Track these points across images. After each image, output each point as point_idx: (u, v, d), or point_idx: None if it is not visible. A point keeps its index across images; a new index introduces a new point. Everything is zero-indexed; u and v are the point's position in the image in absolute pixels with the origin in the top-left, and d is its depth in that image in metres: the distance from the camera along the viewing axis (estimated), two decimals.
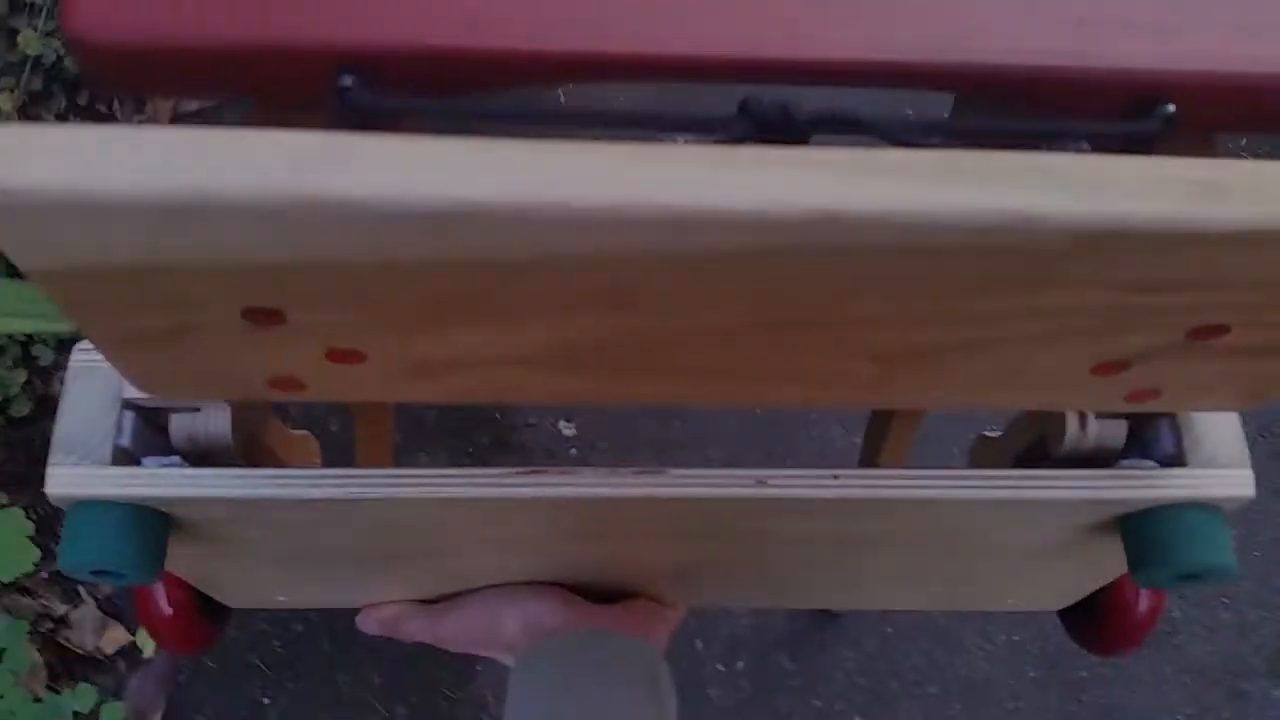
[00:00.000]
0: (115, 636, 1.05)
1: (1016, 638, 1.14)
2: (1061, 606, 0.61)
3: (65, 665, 1.02)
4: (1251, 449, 0.43)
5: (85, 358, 0.42)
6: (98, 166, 0.22)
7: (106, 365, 0.36)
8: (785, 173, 0.24)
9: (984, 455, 0.59)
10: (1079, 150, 0.35)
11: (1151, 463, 0.43)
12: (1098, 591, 0.57)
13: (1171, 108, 0.32)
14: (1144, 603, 0.55)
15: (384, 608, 0.56)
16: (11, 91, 1.09)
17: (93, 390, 0.42)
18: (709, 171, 0.24)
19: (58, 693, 0.99)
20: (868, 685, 1.11)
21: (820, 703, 1.10)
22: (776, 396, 0.37)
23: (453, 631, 0.53)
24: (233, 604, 0.59)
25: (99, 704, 0.99)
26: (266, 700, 1.04)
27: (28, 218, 0.23)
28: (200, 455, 0.44)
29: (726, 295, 0.28)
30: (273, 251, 0.24)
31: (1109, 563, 0.47)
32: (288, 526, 0.45)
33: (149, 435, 0.43)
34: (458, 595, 0.54)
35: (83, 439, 0.40)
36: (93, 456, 0.40)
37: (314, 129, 0.29)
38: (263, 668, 1.05)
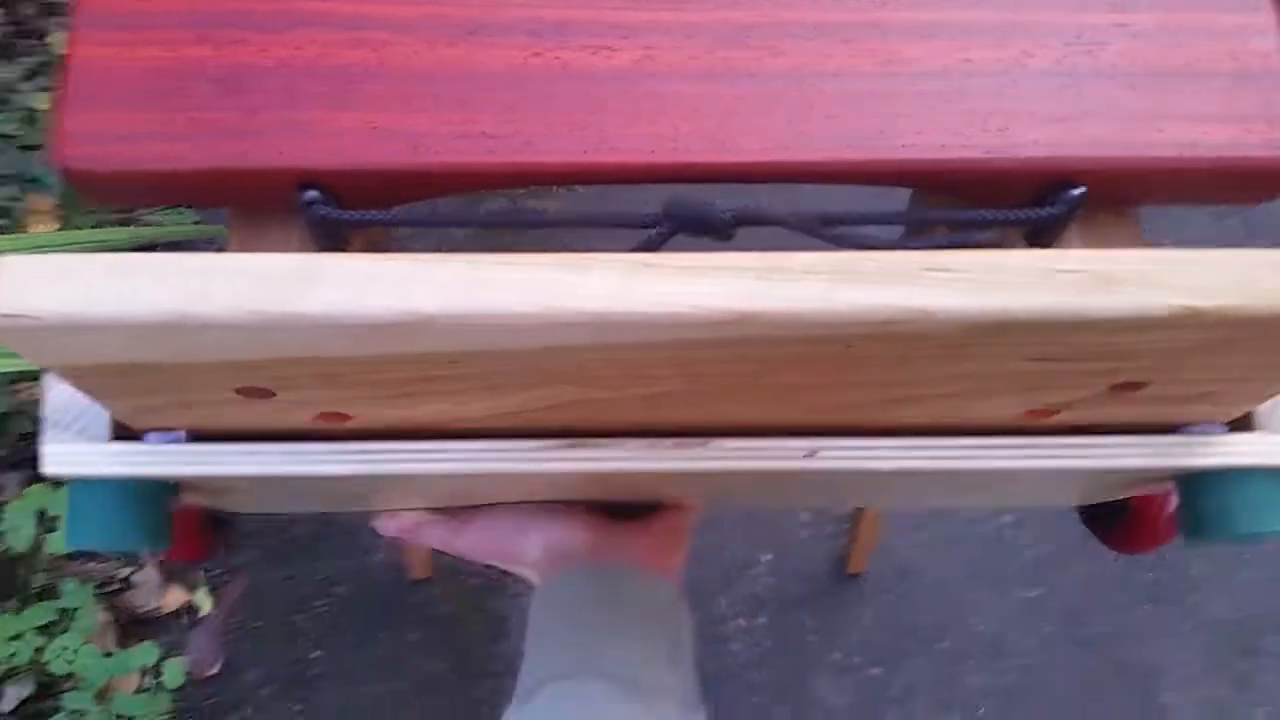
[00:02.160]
0: (175, 597, 1.13)
1: (1032, 594, 1.16)
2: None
3: (130, 624, 1.10)
4: None
5: None
6: (91, 296, 0.26)
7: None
8: (699, 280, 0.28)
9: None
10: (1001, 231, 0.37)
11: (1219, 426, 0.40)
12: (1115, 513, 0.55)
13: (1080, 191, 0.34)
14: (1173, 503, 0.50)
15: (403, 514, 0.55)
16: (47, 91, 1.15)
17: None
18: (625, 281, 0.27)
19: (124, 649, 1.07)
20: (883, 640, 1.15)
21: (838, 655, 1.15)
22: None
23: (474, 545, 0.53)
24: (241, 512, 0.57)
25: (161, 659, 1.07)
26: (312, 656, 1.11)
27: (34, 336, 0.28)
28: None
29: (657, 373, 0.31)
30: (251, 354, 0.28)
31: (1153, 488, 0.46)
32: (301, 482, 0.42)
33: None
34: (477, 508, 0.53)
35: (76, 411, 0.38)
36: (90, 431, 0.38)
37: (288, 234, 0.33)
38: (307, 628, 1.12)
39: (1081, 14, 0.36)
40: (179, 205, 0.35)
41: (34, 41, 1.22)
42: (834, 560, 1.17)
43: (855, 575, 1.16)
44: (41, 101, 1.19)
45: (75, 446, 0.37)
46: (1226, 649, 1.16)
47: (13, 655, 1.01)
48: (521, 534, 0.51)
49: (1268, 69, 0.35)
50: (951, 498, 0.59)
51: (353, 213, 0.34)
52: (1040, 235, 0.36)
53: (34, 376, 1.14)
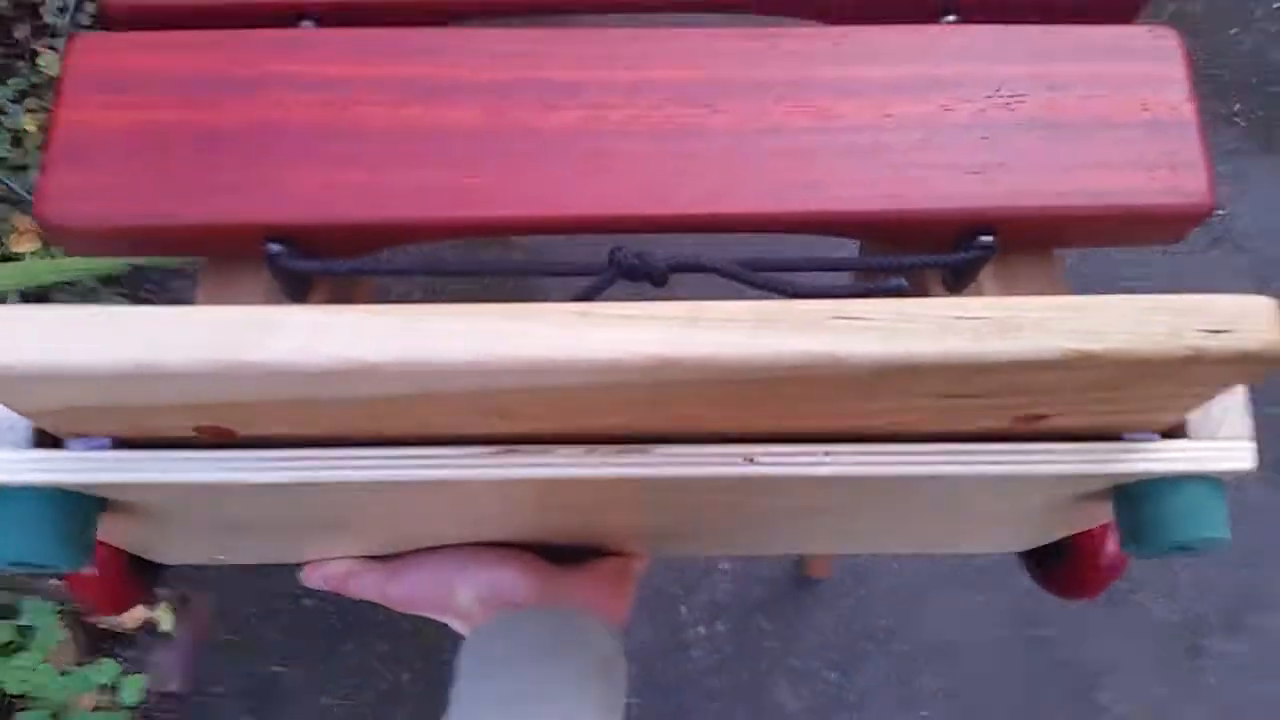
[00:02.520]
0: (136, 613, 1.13)
1: (982, 599, 1.20)
2: (1026, 549, 0.60)
3: (92, 640, 1.11)
4: None
5: None
6: (59, 346, 0.29)
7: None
8: (631, 328, 0.30)
9: None
10: (921, 277, 0.40)
11: (1153, 434, 0.40)
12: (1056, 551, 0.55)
13: (990, 238, 0.37)
14: (1110, 549, 0.53)
15: (331, 564, 0.51)
16: (35, 113, 1.16)
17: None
18: (563, 330, 0.30)
19: (85, 666, 1.07)
20: (841, 644, 1.18)
21: (797, 661, 1.18)
22: None
23: (404, 594, 0.50)
24: (166, 563, 0.55)
25: (120, 676, 1.07)
26: (280, 669, 1.12)
27: (6, 385, 0.30)
28: None
29: (593, 410, 0.34)
30: (211, 398, 0.30)
31: (1091, 516, 0.47)
32: (230, 500, 0.41)
33: None
34: (411, 553, 0.50)
35: None
36: (10, 437, 0.36)
37: (256, 280, 0.35)
38: (275, 640, 1.13)
39: (1002, 66, 0.38)
40: (153, 256, 0.36)
41: (24, 63, 1.23)
42: (793, 566, 1.20)
43: (815, 580, 1.19)
44: (30, 122, 1.19)
45: None
46: (1169, 649, 1.20)
47: None
48: (455, 577, 0.48)
49: (1176, 119, 0.38)
50: (894, 533, 0.58)
51: (314, 262, 0.36)
52: (957, 277, 0.39)
53: None
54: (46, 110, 1.21)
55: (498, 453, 0.36)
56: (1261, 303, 0.33)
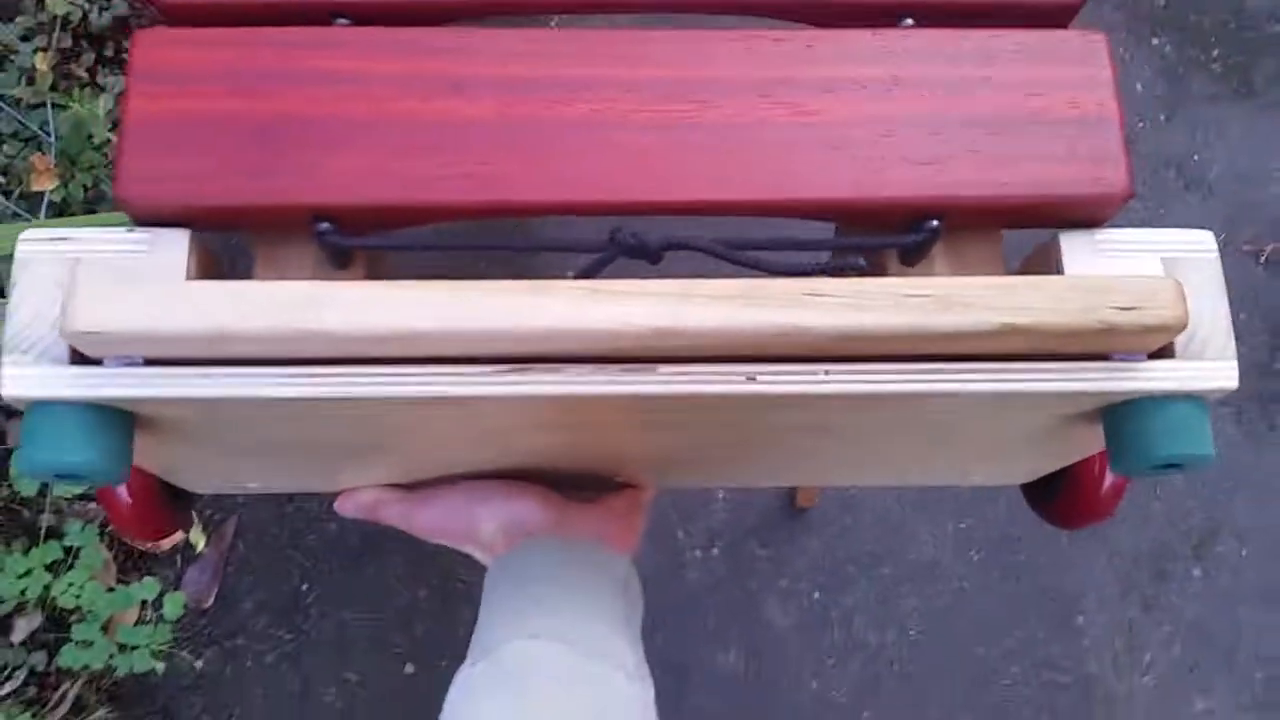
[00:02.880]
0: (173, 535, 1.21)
1: (963, 525, 1.27)
2: (1026, 481, 0.62)
3: (131, 561, 1.19)
4: None
5: (31, 247, 0.40)
6: (158, 313, 0.35)
7: (55, 253, 0.39)
8: (633, 302, 0.37)
9: None
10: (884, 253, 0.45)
11: (1140, 354, 0.41)
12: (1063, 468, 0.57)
13: (936, 223, 0.43)
14: (1109, 480, 0.55)
15: (361, 492, 0.54)
16: (45, 51, 1.19)
17: (43, 281, 0.39)
18: (578, 304, 0.37)
19: (126, 584, 1.15)
20: (828, 568, 1.26)
21: (785, 583, 1.25)
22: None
23: (428, 524, 0.52)
24: (198, 491, 0.58)
25: (161, 593, 1.16)
26: (304, 587, 1.20)
27: (111, 346, 0.35)
28: None
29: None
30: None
31: (1084, 443, 0.49)
32: (260, 420, 0.43)
33: None
34: (436, 484, 0.53)
35: (37, 335, 0.38)
36: (50, 354, 0.38)
37: (303, 252, 0.42)
38: (300, 560, 1.21)
39: (953, 68, 0.44)
40: (216, 231, 0.42)
41: (30, 1, 1.26)
42: (785, 498, 1.27)
43: (804, 509, 1.27)
44: (41, 61, 1.23)
45: (34, 369, 0.38)
46: (1137, 573, 1.28)
47: (23, 591, 1.09)
48: (477, 509, 0.51)
49: (1100, 116, 0.43)
50: (896, 464, 0.61)
51: (356, 239, 0.42)
52: (910, 255, 0.44)
53: None
54: (56, 49, 1.25)
55: (510, 370, 0.39)
56: (1166, 283, 0.39)
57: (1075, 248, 0.43)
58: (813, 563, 1.26)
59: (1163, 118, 1.45)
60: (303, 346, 0.37)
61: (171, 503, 0.55)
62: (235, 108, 0.42)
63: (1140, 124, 1.44)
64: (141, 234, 0.41)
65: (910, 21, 0.44)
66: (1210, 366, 0.41)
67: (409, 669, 1.18)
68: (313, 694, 1.16)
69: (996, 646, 1.25)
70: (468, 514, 0.51)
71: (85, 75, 1.32)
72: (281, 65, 0.43)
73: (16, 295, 0.39)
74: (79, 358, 0.38)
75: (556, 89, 0.43)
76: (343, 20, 0.45)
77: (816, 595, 1.25)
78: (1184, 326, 0.38)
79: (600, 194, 0.42)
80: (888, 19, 0.45)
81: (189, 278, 0.41)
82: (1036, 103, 0.43)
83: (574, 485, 0.54)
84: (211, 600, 1.20)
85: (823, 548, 1.26)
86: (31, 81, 1.27)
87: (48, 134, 1.26)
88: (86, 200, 1.30)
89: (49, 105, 1.27)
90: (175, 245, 0.41)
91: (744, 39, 0.44)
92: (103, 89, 1.31)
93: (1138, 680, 1.26)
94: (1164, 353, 0.41)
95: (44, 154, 1.27)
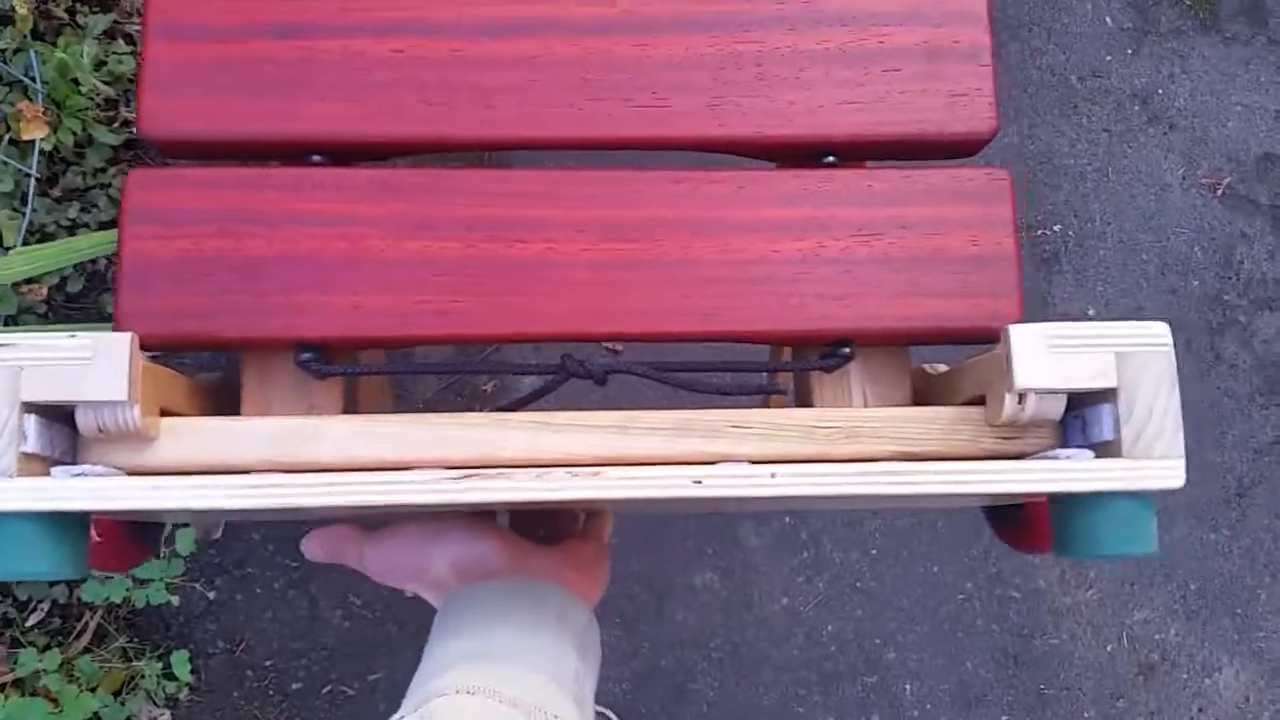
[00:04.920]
0: None
1: None
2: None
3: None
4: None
5: None
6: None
7: (2, 366, 0.39)
8: (576, 434, 0.43)
9: (925, 390, 0.54)
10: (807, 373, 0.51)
11: (1087, 452, 0.42)
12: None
13: (848, 349, 0.49)
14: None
15: (324, 533, 0.52)
16: None
17: None
18: (532, 436, 0.43)
19: None
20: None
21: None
22: None
23: (381, 564, 0.50)
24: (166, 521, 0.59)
25: (174, 529, 1.25)
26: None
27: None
28: (112, 439, 0.43)
29: None
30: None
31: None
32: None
33: (55, 431, 0.41)
34: (389, 525, 0.52)
35: None
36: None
37: (286, 372, 0.48)
38: None
39: (866, 210, 0.49)
40: (204, 351, 0.48)
41: None
42: None
43: None
44: (19, 4, 1.22)
45: None
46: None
47: None
48: (430, 546, 0.49)
49: (1000, 253, 0.49)
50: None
51: (335, 367, 0.48)
52: (830, 372, 0.50)
53: None
54: None
55: (459, 478, 0.40)
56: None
57: (1027, 344, 0.41)
58: None
59: (1129, 51, 1.47)
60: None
61: (139, 535, 0.54)
62: (225, 246, 0.47)
63: (1108, 58, 1.46)
64: (84, 340, 0.40)
65: (831, 159, 0.49)
66: (1157, 466, 0.40)
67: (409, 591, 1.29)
68: (320, 616, 1.27)
69: (952, 564, 1.36)
70: (421, 552, 0.49)
71: (65, 15, 1.33)
72: (265, 208, 0.48)
73: None
74: (26, 467, 0.39)
75: (516, 228, 0.48)
76: (317, 158, 0.49)
77: (788, 519, 1.35)
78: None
79: (552, 326, 0.47)
80: (811, 159, 0.49)
81: (130, 386, 0.40)
82: (940, 241, 0.48)
83: (537, 524, 0.56)
84: (220, 532, 1.29)
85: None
86: (11, 22, 1.27)
87: (33, 80, 1.27)
88: (77, 146, 1.32)
89: (31, 51, 1.28)
90: (118, 354, 0.40)
91: (684, 180, 0.49)
92: (83, 29, 1.32)
93: (1081, 594, 1.37)
94: (1111, 450, 0.41)
95: (31, 101, 1.28)
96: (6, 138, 1.27)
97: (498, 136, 0.49)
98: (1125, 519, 0.40)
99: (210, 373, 0.56)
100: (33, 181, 1.28)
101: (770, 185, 0.49)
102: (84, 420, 0.40)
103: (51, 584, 1.19)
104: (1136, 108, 1.46)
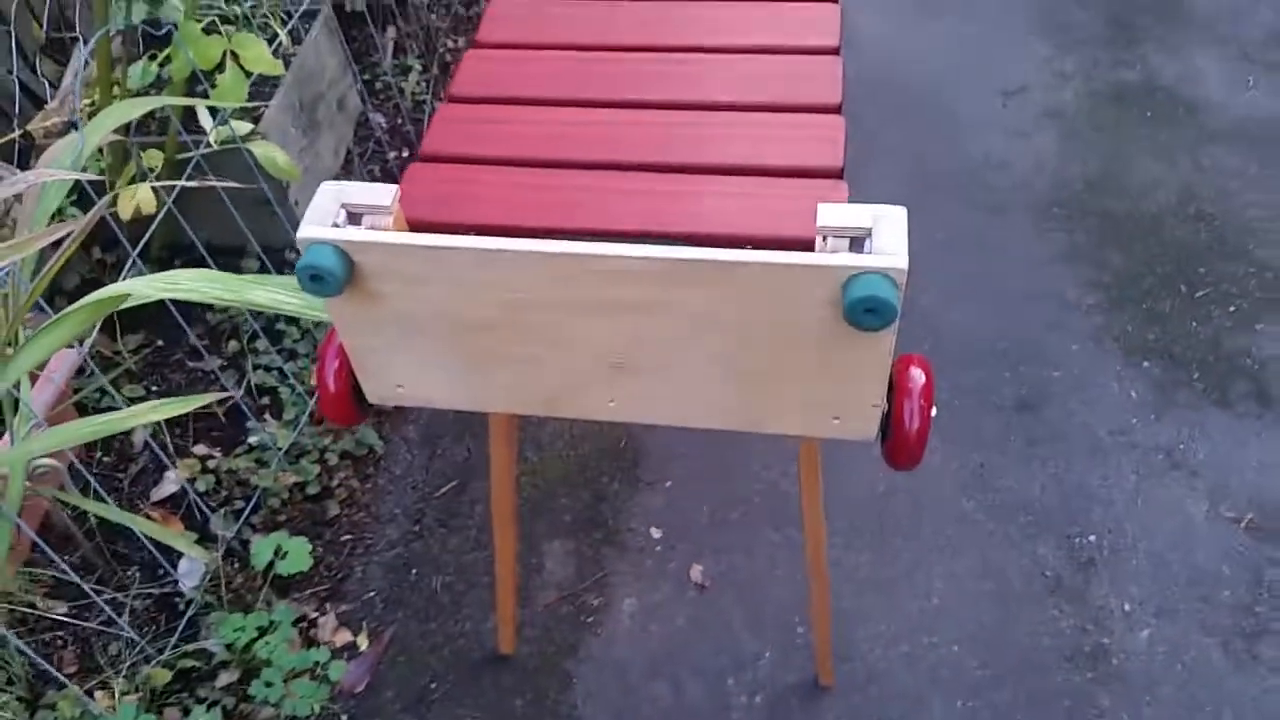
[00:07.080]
0: (342, 635, 1.60)
1: (970, 705, 1.49)
2: (869, 437, 0.84)
3: (308, 642, 1.57)
4: None
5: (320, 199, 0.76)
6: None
7: (332, 189, 0.76)
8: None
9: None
10: None
11: (857, 254, 0.69)
12: (887, 425, 0.82)
13: None
14: (913, 425, 0.81)
15: None
16: None
17: (326, 197, 0.75)
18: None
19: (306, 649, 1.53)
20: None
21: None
22: None
23: None
24: (371, 400, 0.88)
25: (330, 662, 1.52)
26: (432, 686, 1.53)
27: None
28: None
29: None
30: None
31: (859, 372, 0.75)
32: (419, 294, 0.76)
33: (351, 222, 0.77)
34: None
35: (319, 218, 0.73)
36: (324, 225, 0.74)
37: None
38: (434, 665, 1.55)
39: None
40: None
41: None
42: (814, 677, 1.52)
43: (827, 687, 1.51)
44: None
45: (316, 227, 0.73)
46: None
47: (236, 639, 1.50)
48: None
49: None
50: (708, 402, 0.84)
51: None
52: None
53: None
54: None
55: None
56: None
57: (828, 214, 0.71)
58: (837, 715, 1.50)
59: (1152, 417, 1.80)
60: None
61: (358, 403, 0.89)
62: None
63: (1133, 420, 1.79)
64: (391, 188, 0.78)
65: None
66: (890, 256, 0.68)
67: None
68: None
69: None
70: None
71: None
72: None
73: (315, 201, 0.75)
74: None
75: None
76: None
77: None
78: None
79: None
80: None
81: (393, 201, 0.77)
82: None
83: None
84: (363, 687, 1.55)
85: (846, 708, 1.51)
86: None
87: None
88: None
89: None
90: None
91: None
92: None
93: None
94: (863, 247, 0.70)
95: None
96: None
97: None
98: (871, 280, 0.68)
99: None
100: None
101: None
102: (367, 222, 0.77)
103: (224, 693, 1.47)
104: (1160, 457, 1.75)
